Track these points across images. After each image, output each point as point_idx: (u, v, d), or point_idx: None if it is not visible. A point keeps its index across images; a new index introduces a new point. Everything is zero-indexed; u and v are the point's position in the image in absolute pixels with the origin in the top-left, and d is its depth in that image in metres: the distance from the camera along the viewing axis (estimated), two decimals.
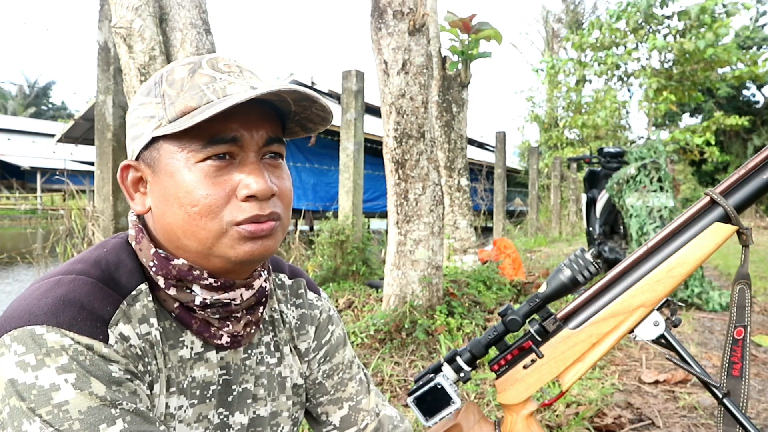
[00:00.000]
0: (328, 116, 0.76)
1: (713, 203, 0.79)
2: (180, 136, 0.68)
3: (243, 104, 0.68)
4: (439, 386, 0.86)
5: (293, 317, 0.90)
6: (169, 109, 0.68)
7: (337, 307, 3.38)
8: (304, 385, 0.91)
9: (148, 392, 0.67)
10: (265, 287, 0.80)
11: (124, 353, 0.64)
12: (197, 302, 0.72)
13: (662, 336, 0.82)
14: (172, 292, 0.71)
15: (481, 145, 20.76)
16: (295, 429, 0.90)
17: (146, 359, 0.68)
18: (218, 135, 0.67)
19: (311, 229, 10.11)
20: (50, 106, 52.35)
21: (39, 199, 23.11)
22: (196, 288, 0.72)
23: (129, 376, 0.63)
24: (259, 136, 0.71)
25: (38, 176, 23.73)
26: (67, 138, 13.55)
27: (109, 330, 0.63)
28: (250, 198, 0.69)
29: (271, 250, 0.72)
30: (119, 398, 0.61)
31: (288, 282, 0.92)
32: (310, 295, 0.94)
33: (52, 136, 18.57)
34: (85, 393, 0.58)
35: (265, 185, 0.69)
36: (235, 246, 0.69)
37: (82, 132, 12.85)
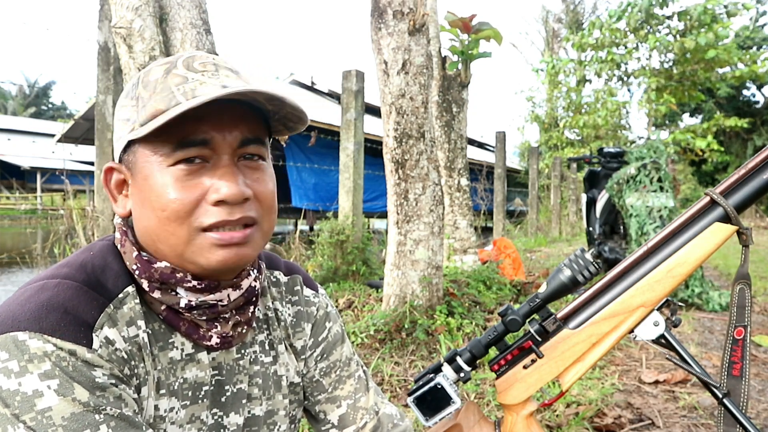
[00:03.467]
0: (302, 115, 0.74)
1: (713, 203, 0.79)
2: (152, 140, 0.67)
3: (215, 106, 0.67)
4: (439, 386, 0.86)
5: (289, 314, 0.89)
6: (140, 113, 0.68)
7: (337, 307, 3.38)
8: (301, 383, 0.91)
9: (135, 396, 0.67)
10: (255, 286, 0.79)
11: (108, 357, 0.63)
12: (182, 305, 0.71)
13: (662, 336, 0.82)
14: (156, 294, 0.71)
15: (481, 145, 20.75)
16: (293, 427, 0.90)
17: (133, 362, 0.67)
18: (187, 138, 0.66)
19: (311, 229, 10.11)
20: (50, 106, 52.35)
21: (39, 199, 23.11)
22: (180, 290, 0.71)
23: (114, 381, 0.63)
24: (232, 138, 0.69)
25: (38, 176, 23.73)
26: (67, 138, 13.54)
27: (93, 334, 0.63)
28: (220, 203, 0.67)
29: (248, 257, 0.71)
30: (103, 404, 0.61)
31: (283, 279, 0.91)
32: (307, 291, 0.93)
33: (52, 136, 18.56)
34: (68, 399, 0.58)
35: (236, 190, 0.67)
36: (206, 254, 0.68)
37: (82, 132, 12.84)
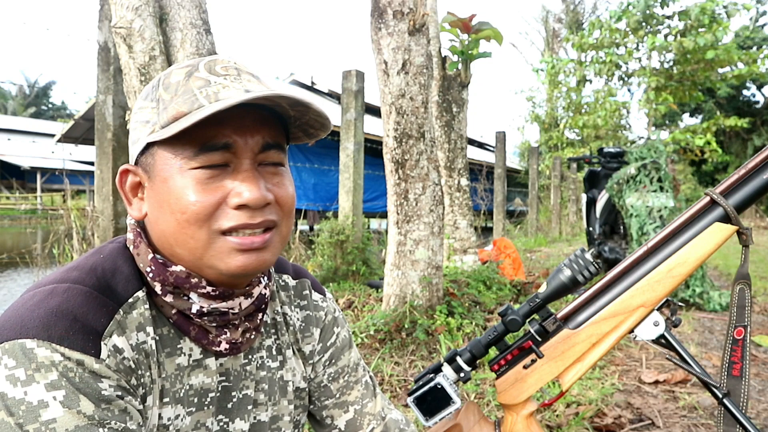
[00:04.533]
0: (325, 122, 0.73)
1: (713, 203, 0.79)
2: (173, 143, 0.66)
3: (237, 110, 0.66)
4: (439, 386, 0.86)
5: (297, 319, 0.89)
6: (161, 114, 0.67)
7: None
8: (307, 389, 0.90)
9: (140, 407, 0.66)
10: (265, 294, 0.79)
11: (116, 367, 0.63)
12: (194, 310, 0.71)
13: (662, 336, 0.82)
14: (168, 299, 0.70)
15: (481, 145, 20.75)
16: (297, 431, 0.90)
17: (140, 371, 0.67)
18: (210, 142, 0.66)
19: (311, 229, 10.10)
20: (50, 106, 52.34)
21: (39, 199, 23.12)
22: (193, 296, 0.71)
23: (120, 393, 0.63)
24: (254, 143, 0.68)
25: (38, 176, 23.73)
26: (67, 138, 13.55)
27: (102, 343, 0.62)
28: (241, 207, 0.67)
29: (268, 262, 0.70)
30: (108, 417, 0.60)
31: (292, 283, 0.91)
32: (315, 296, 0.93)
33: (52, 136, 18.58)
34: (73, 411, 0.58)
35: (258, 194, 0.67)
36: (226, 259, 0.68)
37: (82, 132, 12.84)
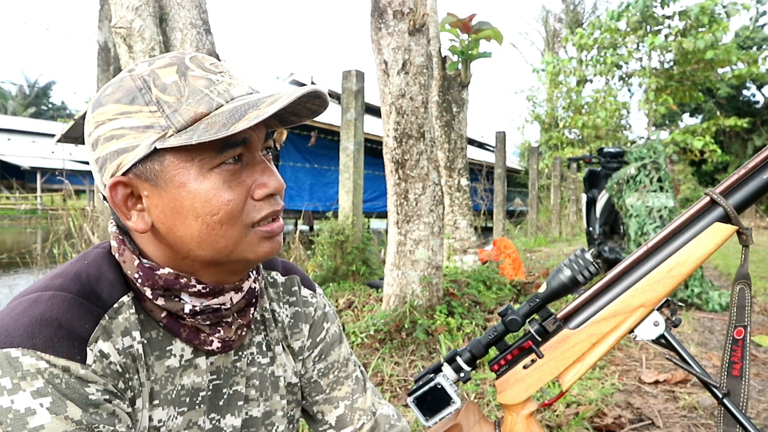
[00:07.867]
0: (320, 108, 0.74)
1: (713, 203, 0.79)
2: (191, 145, 0.64)
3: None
4: (439, 386, 0.86)
5: (286, 315, 0.89)
6: (174, 118, 0.64)
7: (337, 307, 3.38)
8: (299, 384, 0.90)
9: (129, 410, 0.66)
10: (255, 288, 0.79)
11: (102, 372, 0.63)
12: (187, 310, 0.71)
13: (662, 336, 0.82)
14: (160, 302, 0.70)
15: (481, 145, 20.76)
16: (292, 427, 0.90)
17: (127, 375, 0.67)
18: (232, 138, 0.65)
19: (311, 229, 10.11)
20: (50, 106, 52.34)
21: (39, 199, 23.11)
22: (184, 296, 0.71)
23: (107, 397, 0.63)
24: (261, 134, 0.70)
25: (38, 176, 23.73)
26: (67, 138, 13.52)
27: (87, 348, 0.62)
28: (266, 196, 0.69)
29: (281, 245, 0.74)
30: (96, 421, 0.60)
31: (281, 279, 0.91)
32: (305, 291, 0.93)
33: (52, 136, 18.56)
34: (60, 417, 0.58)
35: (279, 181, 0.70)
36: (255, 248, 0.70)
37: (82, 132, 12.80)
